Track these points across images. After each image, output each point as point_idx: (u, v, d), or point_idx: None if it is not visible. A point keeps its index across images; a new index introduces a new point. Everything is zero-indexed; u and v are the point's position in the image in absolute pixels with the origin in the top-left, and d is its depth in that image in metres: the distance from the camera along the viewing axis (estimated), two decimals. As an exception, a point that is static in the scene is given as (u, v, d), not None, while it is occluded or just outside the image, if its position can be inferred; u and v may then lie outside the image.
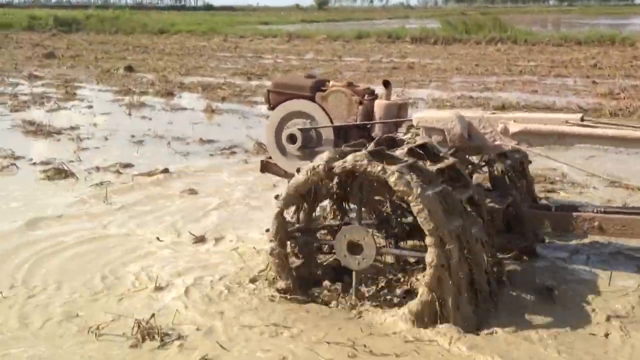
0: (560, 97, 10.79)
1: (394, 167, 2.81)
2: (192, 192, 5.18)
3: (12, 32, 31.32)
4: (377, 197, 3.37)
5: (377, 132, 3.87)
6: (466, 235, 2.86)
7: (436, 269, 2.72)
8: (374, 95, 4.03)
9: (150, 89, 11.73)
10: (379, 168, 2.82)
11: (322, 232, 3.61)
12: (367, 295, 3.08)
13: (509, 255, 3.72)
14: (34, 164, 6.09)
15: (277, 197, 3.18)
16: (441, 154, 3.25)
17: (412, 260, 3.37)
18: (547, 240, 4.01)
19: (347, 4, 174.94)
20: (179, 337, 2.75)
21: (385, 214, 3.43)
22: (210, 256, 3.81)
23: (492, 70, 15.32)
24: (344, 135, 3.97)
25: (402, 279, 3.26)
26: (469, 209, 3.07)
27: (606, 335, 2.85)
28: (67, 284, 3.36)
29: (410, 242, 3.51)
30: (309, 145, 3.99)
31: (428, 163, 3.15)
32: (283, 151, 4.08)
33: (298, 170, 3.15)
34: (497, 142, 3.47)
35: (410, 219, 3.27)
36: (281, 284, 3.12)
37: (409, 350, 2.69)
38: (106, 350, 2.70)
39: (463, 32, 25.96)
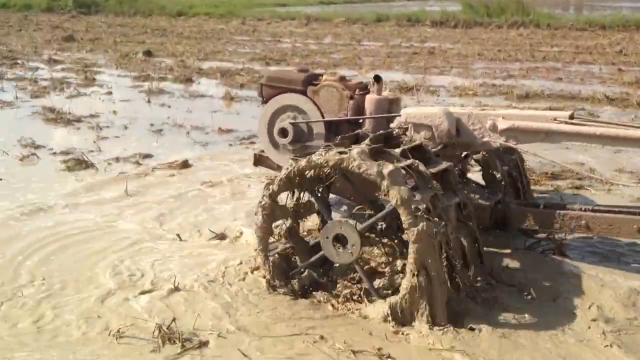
0: (585, 86, 10.55)
1: (387, 170, 2.80)
2: (212, 184, 5.13)
3: (32, 13, 31.42)
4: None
5: (367, 127, 3.87)
6: (449, 233, 2.89)
7: (416, 266, 2.74)
8: (365, 90, 4.04)
9: (169, 75, 11.68)
10: (375, 170, 2.82)
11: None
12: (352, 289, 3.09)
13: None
14: (54, 153, 6.09)
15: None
16: (432, 156, 3.26)
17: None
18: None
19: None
20: (201, 344, 2.71)
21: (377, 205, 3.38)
22: (231, 254, 3.75)
23: (515, 56, 15.04)
24: (335, 130, 3.99)
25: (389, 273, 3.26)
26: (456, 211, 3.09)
27: (587, 339, 2.82)
28: (83, 282, 3.33)
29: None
30: (301, 139, 4.03)
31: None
32: (275, 145, 4.13)
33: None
34: (485, 139, 3.48)
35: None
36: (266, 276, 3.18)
37: (386, 345, 2.71)
38: (129, 353, 2.67)
39: (484, 16, 25.48)
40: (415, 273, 2.75)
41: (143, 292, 3.20)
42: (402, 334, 2.79)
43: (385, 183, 2.79)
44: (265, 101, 4.27)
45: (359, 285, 3.10)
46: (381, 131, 3.49)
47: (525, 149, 3.77)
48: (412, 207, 2.74)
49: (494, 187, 3.86)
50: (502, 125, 3.42)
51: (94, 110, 8.29)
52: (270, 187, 3.14)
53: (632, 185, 4.92)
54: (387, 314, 2.84)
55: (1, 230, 4.06)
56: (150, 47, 16.37)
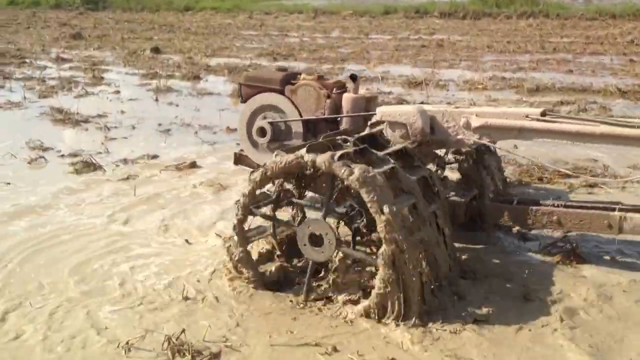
0: (596, 78, 10.42)
1: (357, 172, 2.81)
2: (220, 187, 5.09)
3: (40, 10, 31.53)
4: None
5: (344, 125, 3.93)
6: (424, 234, 2.94)
7: (388, 265, 2.76)
8: (343, 89, 4.06)
9: (177, 72, 11.65)
10: (346, 172, 2.83)
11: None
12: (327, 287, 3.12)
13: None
14: (62, 156, 6.07)
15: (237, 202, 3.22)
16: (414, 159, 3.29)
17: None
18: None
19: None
20: (212, 356, 2.67)
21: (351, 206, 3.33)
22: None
23: (525, 47, 14.90)
24: (314, 129, 4.04)
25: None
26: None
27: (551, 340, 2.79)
28: (92, 292, 3.30)
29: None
30: (279, 138, 4.07)
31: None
32: (255, 144, 4.19)
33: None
34: (459, 137, 3.51)
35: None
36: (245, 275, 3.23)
37: (356, 342, 2.74)
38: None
39: (493, 6, 25.29)
40: (388, 271, 2.77)
41: (150, 302, 3.16)
42: (377, 333, 2.81)
43: (358, 187, 2.80)
44: (244, 101, 4.30)
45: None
46: (361, 133, 3.47)
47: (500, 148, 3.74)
48: (386, 209, 2.75)
49: (469, 184, 3.89)
50: (475, 122, 3.44)
51: (102, 110, 8.27)
52: (246, 190, 3.17)
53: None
54: (364, 311, 2.88)
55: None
56: (158, 43, 16.35)
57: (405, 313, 2.82)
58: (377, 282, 2.83)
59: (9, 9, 33.12)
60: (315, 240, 3.01)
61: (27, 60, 13.59)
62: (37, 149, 6.31)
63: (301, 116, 4.06)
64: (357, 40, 17.58)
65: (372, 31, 20.29)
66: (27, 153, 6.10)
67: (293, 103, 4.09)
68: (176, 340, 2.72)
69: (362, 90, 4.09)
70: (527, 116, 3.36)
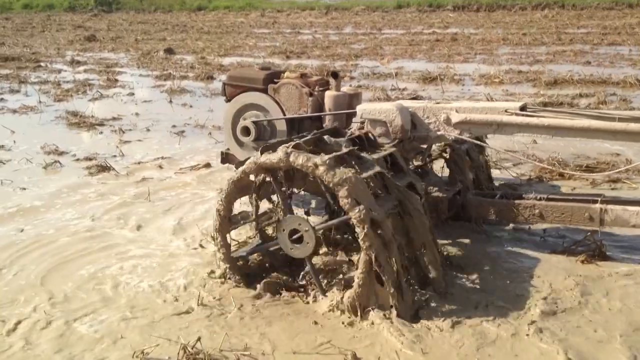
0: (615, 69, 10.24)
1: (319, 160, 2.83)
2: (235, 189, 5.03)
3: (54, 13, 31.79)
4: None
5: (327, 123, 3.91)
6: (403, 225, 2.95)
7: (367, 260, 2.75)
8: (325, 87, 4.05)
9: (190, 73, 11.65)
10: (303, 160, 2.85)
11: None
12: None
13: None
14: (78, 160, 6.06)
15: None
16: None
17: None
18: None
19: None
20: (228, 364, 2.62)
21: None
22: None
23: (541, 39, 14.69)
24: (298, 127, 4.04)
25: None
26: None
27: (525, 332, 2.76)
28: (106, 299, 3.27)
29: None
30: (264, 137, 4.07)
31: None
32: (240, 143, 4.19)
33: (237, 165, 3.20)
34: (440, 132, 3.52)
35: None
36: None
37: (335, 338, 2.74)
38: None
39: (508, -2, 24.99)
40: (367, 266, 2.76)
41: (163, 309, 3.12)
42: (356, 328, 2.82)
43: (332, 182, 2.79)
44: (228, 100, 4.31)
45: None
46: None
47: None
48: (362, 206, 2.74)
49: (454, 179, 3.91)
50: (455, 118, 3.45)
51: (117, 112, 8.28)
52: (224, 190, 3.17)
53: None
54: (337, 305, 2.90)
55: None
56: (171, 44, 16.39)
57: (384, 307, 2.82)
58: (356, 276, 2.84)
59: (24, 12, 33.42)
60: (295, 237, 3.03)
61: (42, 64, 13.68)
62: (52, 153, 6.31)
63: (285, 115, 4.07)
64: (370, 36, 17.47)
65: (385, 26, 20.16)
66: (42, 157, 6.11)
67: (276, 102, 4.10)
68: (192, 349, 2.68)
69: (345, 87, 4.09)
70: (506, 111, 3.36)
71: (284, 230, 3.04)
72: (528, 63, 11.23)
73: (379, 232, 2.78)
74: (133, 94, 9.85)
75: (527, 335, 2.74)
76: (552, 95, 8.15)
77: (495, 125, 3.36)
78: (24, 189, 5.16)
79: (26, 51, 16.13)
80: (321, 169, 2.83)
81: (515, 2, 24.27)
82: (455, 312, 2.93)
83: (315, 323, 2.90)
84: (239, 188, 3.18)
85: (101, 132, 7.27)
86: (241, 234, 3.82)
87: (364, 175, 2.93)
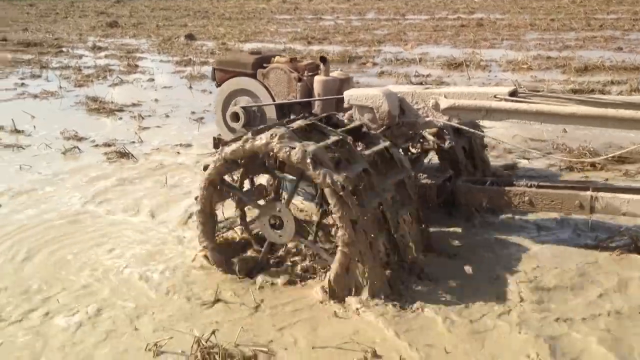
0: (648, 55, 9.88)
1: (299, 149, 2.78)
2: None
3: (77, 0, 31.91)
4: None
5: (316, 109, 3.86)
6: (385, 210, 2.89)
7: (345, 243, 2.73)
8: (315, 72, 3.99)
9: (210, 59, 11.53)
10: (286, 149, 2.80)
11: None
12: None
13: None
14: (97, 145, 6.00)
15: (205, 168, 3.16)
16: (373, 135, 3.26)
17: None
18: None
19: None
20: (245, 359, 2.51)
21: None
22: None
23: (570, 24, 14.30)
24: (288, 112, 3.98)
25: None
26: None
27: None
28: (120, 291, 3.18)
29: None
30: (253, 123, 4.01)
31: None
32: (231, 129, 4.13)
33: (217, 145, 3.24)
34: (428, 118, 3.46)
35: None
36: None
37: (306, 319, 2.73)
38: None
39: (535, -17, 24.39)
40: (345, 250, 2.74)
41: (178, 301, 3.02)
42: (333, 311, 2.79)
43: (306, 164, 2.75)
44: (219, 85, 4.27)
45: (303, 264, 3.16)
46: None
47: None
48: (338, 186, 2.70)
49: (445, 165, 3.87)
50: (443, 103, 3.38)
51: (136, 98, 8.20)
52: (208, 173, 3.12)
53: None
54: (325, 290, 2.86)
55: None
56: (192, 30, 16.31)
57: (361, 290, 2.79)
58: (335, 260, 2.81)
59: (48, -1, 33.66)
60: (276, 223, 3.01)
61: (64, 49, 13.69)
62: (71, 138, 6.26)
63: (274, 100, 4.02)
64: (394, 21, 17.19)
65: (408, 11, 19.84)
66: (61, 143, 6.05)
67: (265, 87, 4.05)
68: (206, 342, 2.57)
69: (336, 72, 4.01)
70: (495, 96, 3.29)
71: (263, 219, 3.05)
72: (557, 49, 10.90)
73: (350, 203, 2.72)
74: (153, 79, 9.77)
75: (513, 324, 2.67)
76: (583, 82, 7.87)
77: (484, 111, 3.29)
78: (39, 172, 5.11)
79: (49, 37, 16.17)
80: (277, 145, 2.81)
81: (542, -13, 23.70)
82: (443, 300, 2.88)
83: (335, 315, 2.78)
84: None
85: (120, 118, 7.20)
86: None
87: (322, 143, 2.88)
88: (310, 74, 3.99)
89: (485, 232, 3.64)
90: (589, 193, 3.25)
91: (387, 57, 10.88)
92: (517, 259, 3.29)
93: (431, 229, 3.44)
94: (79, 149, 5.86)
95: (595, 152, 4.98)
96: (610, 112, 3.00)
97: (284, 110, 4.03)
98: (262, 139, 2.88)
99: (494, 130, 5.71)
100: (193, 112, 7.29)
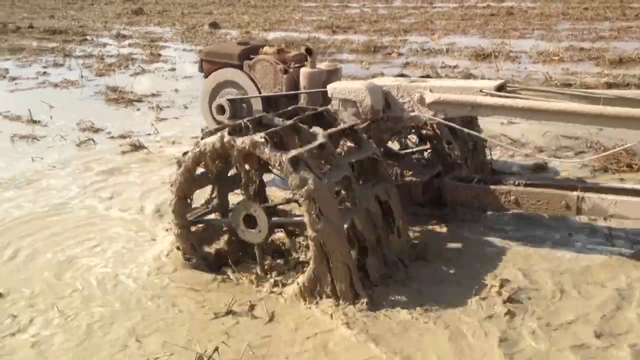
0: (689, 47, 9.41)
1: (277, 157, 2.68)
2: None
3: (105, -13, 32.00)
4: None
5: (302, 101, 3.78)
6: (359, 212, 2.80)
7: (316, 246, 2.65)
8: (302, 63, 3.89)
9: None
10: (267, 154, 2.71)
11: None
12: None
13: None
14: (112, 137, 5.89)
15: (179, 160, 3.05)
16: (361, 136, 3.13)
17: None
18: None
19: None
20: (247, 379, 2.34)
21: None
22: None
23: (604, 14, 13.78)
24: (275, 105, 3.89)
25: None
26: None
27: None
28: (123, 310, 3.04)
29: None
30: (240, 115, 3.91)
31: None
32: (218, 121, 4.03)
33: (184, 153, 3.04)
34: (414, 113, 3.35)
35: None
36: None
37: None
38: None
39: (568, -30, 23.66)
40: (317, 252, 2.66)
41: (180, 314, 2.86)
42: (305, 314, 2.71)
43: (282, 167, 2.66)
44: (206, 76, 4.20)
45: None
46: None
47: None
48: (310, 190, 2.60)
49: (434, 161, 3.81)
50: (429, 97, 3.27)
51: (156, 88, 8.09)
52: (182, 165, 3.00)
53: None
54: (298, 291, 2.78)
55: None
56: (217, 17, 16.17)
57: (334, 294, 2.71)
58: (310, 262, 2.73)
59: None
60: (251, 222, 2.94)
61: (89, 38, 13.67)
62: (87, 130, 6.17)
63: (260, 92, 3.94)
64: (421, 10, 16.82)
65: None
66: (77, 134, 5.96)
67: (252, 79, 3.98)
68: (209, 359, 2.40)
69: (323, 64, 3.91)
70: (481, 91, 3.16)
71: (238, 216, 2.97)
72: (590, 40, 10.48)
73: (322, 207, 2.62)
74: (174, 69, 9.65)
75: (485, 329, 2.56)
76: (618, 75, 7.50)
77: (469, 106, 3.18)
78: (48, 164, 5.02)
79: (74, 24, 16.19)
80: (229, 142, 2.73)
81: (576, -25, 23.00)
82: (418, 301, 2.76)
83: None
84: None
85: (139, 109, 7.08)
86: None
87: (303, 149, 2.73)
88: (297, 65, 3.89)
89: (471, 232, 3.49)
90: (575, 193, 3.15)
91: (412, 47, 10.59)
92: (501, 260, 3.15)
93: (415, 228, 3.43)
94: (93, 141, 5.76)
95: (633, 151, 4.69)
96: (597, 109, 2.88)
97: (270, 103, 3.93)
98: (242, 143, 2.77)
99: (519, 127, 5.46)
100: (212, 104, 7.13)
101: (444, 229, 3.53)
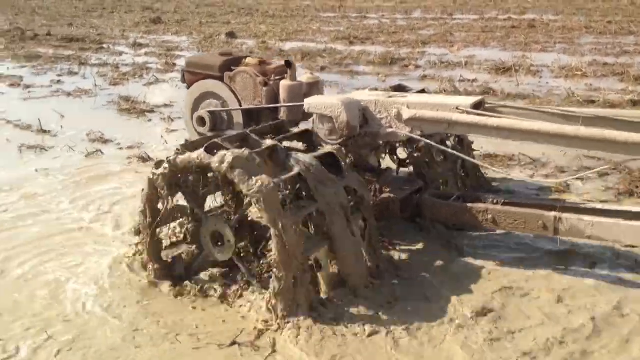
0: None
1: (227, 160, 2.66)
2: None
3: (125, -5, 32.25)
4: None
5: (282, 115, 3.73)
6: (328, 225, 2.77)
7: (279, 261, 2.60)
8: (282, 76, 3.85)
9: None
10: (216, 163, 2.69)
11: None
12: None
13: None
14: (121, 148, 5.78)
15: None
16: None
17: None
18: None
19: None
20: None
21: None
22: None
23: (629, 28, 13.48)
24: (257, 118, 3.84)
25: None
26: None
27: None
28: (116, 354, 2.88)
29: None
30: (220, 127, 3.91)
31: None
32: (200, 133, 4.00)
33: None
34: (391, 129, 3.28)
35: None
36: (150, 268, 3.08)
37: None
38: None
39: (591, -18, 23.34)
40: (279, 269, 2.60)
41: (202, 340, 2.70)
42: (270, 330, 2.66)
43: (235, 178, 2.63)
44: (189, 87, 4.18)
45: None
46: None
47: None
48: (270, 204, 2.57)
49: (415, 177, 3.79)
50: (405, 114, 3.20)
51: (169, 98, 7.98)
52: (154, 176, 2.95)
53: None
54: (264, 307, 2.72)
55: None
56: (234, 27, 16.12)
57: (294, 311, 2.65)
58: (272, 279, 2.68)
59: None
60: (218, 239, 2.91)
61: (105, 46, 13.67)
62: (96, 141, 6.06)
63: (241, 105, 3.91)
64: (440, 21, 16.62)
65: (456, 10, 19.21)
66: (85, 145, 5.86)
67: (232, 91, 3.95)
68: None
69: (305, 76, 3.86)
70: (457, 108, 3.10)
71: (205, 235, 2.93)
72: (614, 54, 10.21)
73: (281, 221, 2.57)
74: (189, 79, 9.55)
75: (439, 344, 2.53)
76: (634, 91, 7.24)
77: (445, 123, 3.11)
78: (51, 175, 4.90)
79: (92, 32, 16.24)
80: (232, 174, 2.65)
81: (599, -13, 22.66)
82: (374, 318, 2.72)
83: None
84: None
85: (150, 120, 6.98)
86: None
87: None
88: (277, 78, 3.83)
89: (447, 250, 3.41)
90: (552, 214, 3.11)
91: (431, 59, 10.39)
92: (474, 279, 3.09)
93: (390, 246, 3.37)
94: (101, 152, 5.65)
95: (659, 173, 4.45)
96: (577, 130, 2.78)
97: (251, 116, 3.87)
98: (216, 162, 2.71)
99: (540, 145, 5.24)
100: (224, 116, 7.00)
101: (420, 245, 3.47)
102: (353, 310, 2.77)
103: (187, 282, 3.01)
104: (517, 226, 3.22)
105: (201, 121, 3.93)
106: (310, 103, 3.35)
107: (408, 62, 10.20)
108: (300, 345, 2.53)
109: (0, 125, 6.83)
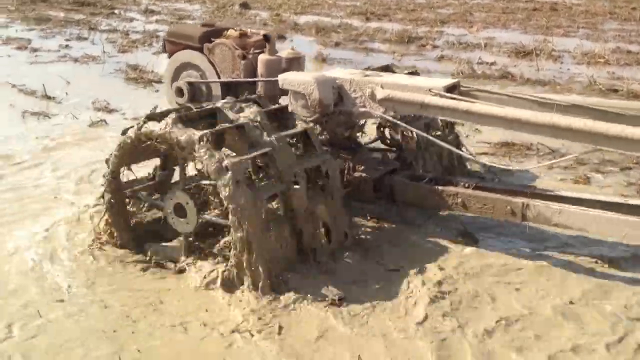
0: None
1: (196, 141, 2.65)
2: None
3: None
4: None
5: (259, 89, 3.69)
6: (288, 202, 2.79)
7: (237, 235, 2.60)
8: (262, 50, 3.79)
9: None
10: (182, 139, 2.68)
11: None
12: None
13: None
14: (126, 119, 5.61)
15: (107, 160, 3.03)
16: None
17: None
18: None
19: None
20: None
21: None
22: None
23: (655, 15, 13.05)
24: (235, 91, 3.76)
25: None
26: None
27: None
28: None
29: None
30: (198, 98, 3.89)
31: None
32: (178, 103, 3.90)
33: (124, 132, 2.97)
34: (364, 108, 3.25)
35: None
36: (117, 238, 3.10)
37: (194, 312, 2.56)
38: None
39: (617, -34, 22.69)
40: (238, 242, 2.60)
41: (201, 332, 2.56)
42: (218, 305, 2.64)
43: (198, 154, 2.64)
44: (169, 57, 4.15)
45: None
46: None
47: None
48: (228, 178, 2.57)
49: (389, 157, 3.76)
50: (379, 94, 3.17)
51: (178, 68, 7.78)
52: (111, 158, 2.98)
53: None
54: (214, 280, 2.73)
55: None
56: (249, -2, 15.79)
57: (255, 283, 2.63)
58: (232, 252, 2.67)
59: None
60: (180, 212, 2.87)
61: (116, 11, 13.43)
62: (101, 110, 5.91)
63: (219, 76, 3.88)
64: (460, 0, 16.20)
65: (476, -10, 18.71)
66: (90, 114, 5.70)
67: (211, 62, 3.91)
68: None
69: (286, 51, 3.78)
70: (429, 90, 3.06)
71: (170, 203, 2.90)
72: (639, 42, 9.87)
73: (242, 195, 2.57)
74: (199, 49, 9.34)
75: (411, 327, 2.51)
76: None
77: (418, 105, 3.08)
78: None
79: (104, -3, 15.98)
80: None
81: (624, -28, 22.03)
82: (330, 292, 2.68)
83: None
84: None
85: (157, 90, 6.80)
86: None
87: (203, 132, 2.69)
88: (257, 51, 3.76)
89: (416, 231, 3.38)
90: (521, 200, 3.09)
91: (449, 39, 10.10)
92: (436, 260, 3.07)
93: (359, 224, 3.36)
94: (105, 122, 5.49)
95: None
96: (551, 118, 2.73)
97: (230, 89, 3.80)
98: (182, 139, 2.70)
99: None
100: (233, 89, 6.81)
101: (392, 226, 3.44)
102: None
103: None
104: (485, 211, 3.21)
105: (180, 92, 3.90)
106: (285, 79, 3.32)
107: (425, 41, 9.92)
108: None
109: (5, 89, 6.68)
